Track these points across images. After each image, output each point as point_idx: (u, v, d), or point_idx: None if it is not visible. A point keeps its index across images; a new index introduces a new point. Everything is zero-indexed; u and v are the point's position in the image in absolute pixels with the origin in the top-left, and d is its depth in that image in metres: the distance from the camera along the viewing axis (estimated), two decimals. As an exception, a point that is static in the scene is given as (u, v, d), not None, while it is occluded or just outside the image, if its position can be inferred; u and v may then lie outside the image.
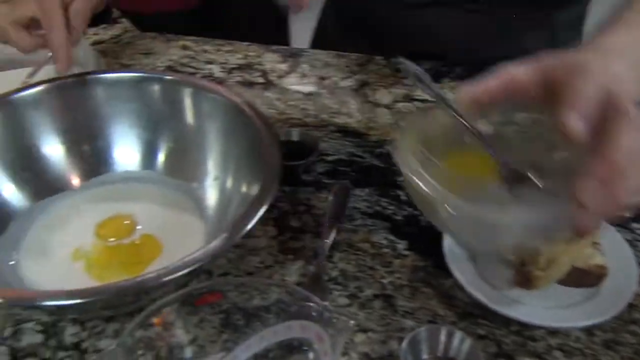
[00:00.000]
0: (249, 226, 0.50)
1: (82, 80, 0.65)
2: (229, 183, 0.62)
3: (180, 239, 0.61)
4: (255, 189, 0.55)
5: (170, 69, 0.89)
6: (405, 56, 0.70)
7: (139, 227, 0.62)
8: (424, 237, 0.64)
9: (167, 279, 0.47)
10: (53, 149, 0.65)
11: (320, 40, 1.00)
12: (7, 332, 0.54)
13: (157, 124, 0.66)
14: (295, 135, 0.72)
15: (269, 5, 1.18)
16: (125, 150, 0.67)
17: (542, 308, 0.55)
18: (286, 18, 1.30)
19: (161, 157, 0.67)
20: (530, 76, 0.48)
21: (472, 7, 0.86)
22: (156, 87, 0.65)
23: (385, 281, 0.59)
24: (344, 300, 0.57)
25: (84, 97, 0.65)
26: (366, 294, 0.58)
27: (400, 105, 0.82)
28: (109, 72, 0.68)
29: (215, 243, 0.49)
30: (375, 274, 0.60)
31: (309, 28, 1.02)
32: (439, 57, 0.89)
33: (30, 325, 0.54)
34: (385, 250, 0.62)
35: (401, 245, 0.63)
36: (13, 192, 0.63)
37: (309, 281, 0.59)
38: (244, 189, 0.59)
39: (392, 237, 0.64)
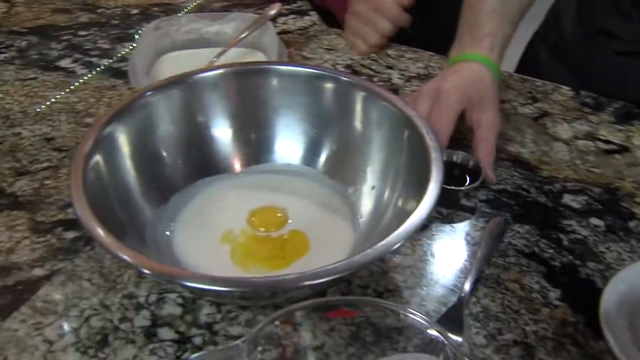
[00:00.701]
0: (399, 244, 0.49)
1: (260, 69, 0.67)
2: (386, 194, 0.61)
3: (328, 241, 0.61)
4: (411, 206, 0.53)
5: (349, 67, 0.90)
6: (598, 94, 0.71)
7: (289, 221, 0.63)
8: (580, 290, 0.59)
9: (307, 283, 0.47)
10: (222, 132, 0.68)
11: (525, 66, 0.98)
12: (152, 298, 0.57)
13: (325, 123, 0.67)
14: (458, 157, 0.69)
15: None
16: (289, 143, 0.68)
17: None
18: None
19: (323, 156, 0.67)
20: None
21: None
22: (330, 86, 0.65)
23: (528, 329, 0.55)
24: (480, 340, 0.54)
25: (258, 86, 0.67)
26: (505, 338, 0.55)
27: (580, 143, 0.77)
28: (286, 65, 0.69)
29: (363, 256, 0.48)
30: (519, 318, 0.56)
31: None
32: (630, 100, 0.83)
33: (172, 296, 0.57)
34: (535, 295, 0.58)
35: (553, 293, 0.59)
36: (179, 167, 0.66)
37: (448, 312, 0.56)
38: (400, 203, 0.58)
39: (544, 283, 0.59)
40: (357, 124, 0.66)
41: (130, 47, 0.94)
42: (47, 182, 0.70)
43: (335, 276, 0.47)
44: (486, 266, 0.60)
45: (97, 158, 0.57)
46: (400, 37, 0.99)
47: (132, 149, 0.61)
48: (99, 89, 0.85)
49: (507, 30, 0.75)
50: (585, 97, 0.84)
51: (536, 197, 0.69)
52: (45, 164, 0.72)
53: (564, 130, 0.79)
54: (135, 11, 1.04)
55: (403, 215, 0.53)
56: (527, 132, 0.78)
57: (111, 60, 0.91)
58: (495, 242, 0.63)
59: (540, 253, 0.63)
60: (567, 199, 0.69)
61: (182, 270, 0.57)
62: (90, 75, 0.87)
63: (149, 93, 0.63)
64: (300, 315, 0.45)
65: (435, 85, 0.72)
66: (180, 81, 0.65)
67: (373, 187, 0.64)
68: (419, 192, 0.54)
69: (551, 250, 0.63)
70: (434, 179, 0.54)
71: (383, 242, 0.49)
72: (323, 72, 0.67)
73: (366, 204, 0.63)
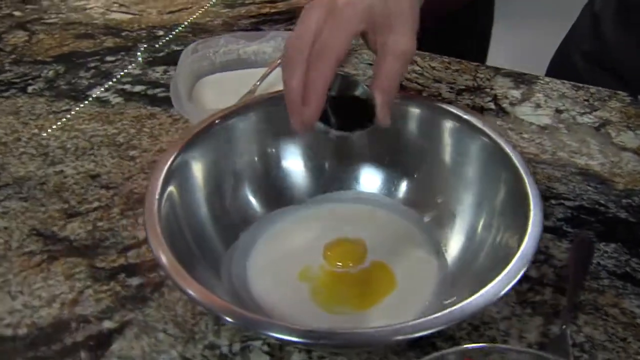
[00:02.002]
0: (507, 289, 0.46)
1: None
2: (478, 228, 0.58)
3: (412, 275, 0.58)
4: (509, 245, 0.50)
5: (395, 83, 0.86)
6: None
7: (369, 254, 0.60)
8: (684, 313, 0.56)
9: (402, 337, 0.44)
10: (293, 162, 0.65)
11: (557, 69, 0.94)
12: (236, 347, 0.54)
13: (403, 150, 0.64)
14: (360, 91, 0.58)
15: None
16: (364, 171, 0.65)
17: None
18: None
19: (399, 185, 0.64)
20: None
21: None
22: (416, 112, 0.62)
23: (640, 358, 0.52)
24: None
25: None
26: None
27: (649, 151, 0.74)
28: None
29: (473, 301, 0.44)
30: (629, 347, 0.53)
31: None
32: None
33: (257, 344, 0.54)
34: (639, 321, 0.55)
35: (658, 317, 0.56)
36: (249, 201, 0.63)
37: (552, 343, 0.53)
38: (496, 241, 0.54)
39: (646, 307, 0.57)
40: (439, 151, 0.62)
41: (162, 72, 0.90)
42: (100, 223, 0.66)
43: (438, 328, 0.44)
44: (581, 291, 0.57)
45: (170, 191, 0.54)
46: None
47: (203, 180, 0.59)
48: (137, 118, 0.81)
49: None
50: (643, 102, 0.82)
51: (616, 212, 0.66)
52: (95, 204, 0.68)
53: (629, 139, 0.76)
54: (161, 32, 1.00)
55: (500, 252, 0.51)
56: (592, 143, 0.75)
57: (145, 87, 0.86)
58: (585, 263, 0.60)
59: (634, 273, 0.60)
60: (649, 212, 0.66)
61: (265, 320, 0.53)
62: (126, 104, 0.84)
63: (218, 121, 0.60)
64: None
65: None
66: (250, 108, 0.62)
67: (454, 216, 0.60)
68: (517, 229, 0.51)
69: (644, 270, 0.60)
70: (533, 217, 0.51)
71: (491, 285, 0.46)
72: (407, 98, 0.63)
73: (451, 235, 0.60)
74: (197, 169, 0.59)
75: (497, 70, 0.88)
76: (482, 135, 0.58)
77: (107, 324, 0.56)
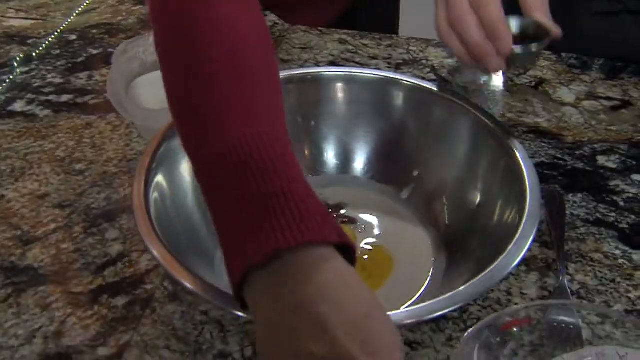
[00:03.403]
0: (512, 267, 0.46)
1: (317, 75, 0.63)
2: (476, 200, 0.58)
3: (407, 250, 0.58)
4: (510, 223, 0.51)
5: (332, 64, 0.86)
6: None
7: (359, 232, 0.59)
8: (658, 247, 0.60)
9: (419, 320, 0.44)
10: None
11: None
12: (248, 352, 0.51)
13: (365, 126, 0.64)
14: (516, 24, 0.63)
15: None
16: (331, 153, 0.65)
17: None
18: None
19: (370, 162, 0.64)
20: None
21: None
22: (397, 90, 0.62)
23: (632, 296, 0.55)
24: (593, 318, 0.54)
25: (299, 96, 0.63)
26: (617, 310, 0.54)
27: (586, 103, 0.78)
28: (319, 68, 0.65)
29: (482, 281, 0.44)
30: (619, 287, 0.56)
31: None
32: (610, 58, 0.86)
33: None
34: (622, 261, 0.59)
35: (637, 256, 0.59)
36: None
37: (554, 296, 0.55)
38: (496, 215, 0.55)
39: (624, 247, 0.60)
40: (408, 124, 0.63)
41: (87, 78, 0.84)
42: (63, 245, 0.60)
43: (452, 308, 0.44)
44: (564, 242, 0.60)
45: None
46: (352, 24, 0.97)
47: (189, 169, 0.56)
48: (73, 129, 0.75)
49: None
50: (568, 59, 0.86)
51: (574, 164, 0.69)
52: (53, 226, 0.62)
53: (566, 94, 0.80)
54: (73, 36, 0.93)
55: (500, 226, 0.52)
56: (535, 102, 0.79)
57: (73, 96, 0.80)
58: (560, 215, 0.63)
59: (605, 218, 0.63)
60: (602, 160, 0.70)
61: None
62: (56, 116, 0.77)
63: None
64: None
65: None
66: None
67: (435, 187, 0.61)
68: (515, 203, 0.52)
69: (613, 214, 0.63)
70: (531, 191, 0.52)
71: (496, 264, 0.46)
72: (385, 76, 0.63)
73: (437, 206, 0.60)
74: (183, 157, 0.55)
75: (428, 42, 0.90)
76: (463, 110, 0.59)
77: (103, 351, 0.51)
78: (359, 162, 0.64)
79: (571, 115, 0.76)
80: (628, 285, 0.56)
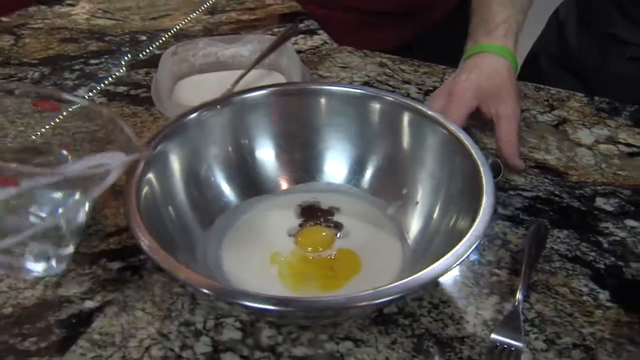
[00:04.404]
0: (457, 263, 0.49)
1: (302, 89, 0.68)
2: (436, 213, 0.62)
3: (378, 258, 0.62)
4: (463, 225, 0.54)
5: (366, 84, 0.91)
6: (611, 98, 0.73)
7: (337, 238, 0.64)
8: (628, 290, 0.60)
9: (376, 302, 0.47)
10: (266, 153, 0.68)
11: (527, 72, 1.00)
12: (210, 324, 0.57)
13: (368, 142, 0.68)
14: None
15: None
16: (333, 163, 0.69)
17: None
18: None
19: (367, 175, 0.68)
20: None
21: None
22: (376, 106, 0.66)
23: (585, 331, 0.56)
24: (540, 345, 0.55)
25: (302, 106, 0.68)
26: (565, 341, 0.55)
27: (602, 147, 0.79)
28: (328, 85, 0.71)
29: (419, 276, 0.48)
30: (575, 322, 0.57)
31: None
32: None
33: (230, 320, 0.57)
34: (586, 298, 0.60)
35: (603, 295, 0.60)
36: (224, 187, 0.67)
37: (505, 319, 0.57)
38: (451, 223, 0.58)
39: (593, 285, 0.61)
40: (404, 143, 0.67)
41: (144, 74, 0.93)
42: (83, 214, 0.69)
43: (392, 297, 0.47)
44: (534, 272, 0.61)
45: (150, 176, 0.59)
46: (407, 52, 1.01)
47: (180, 169, 0.63)
48: (120, 116, 0.84)
49: (519, 17, 0.78)
50: (599, 103, 0.87)
51: (569, 202, 0.70)
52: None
53: (585, 136, 0.81)
54: (143, 37, 1.04)
55: (455, 234, 0.54)
56: (550, 140, 0.80)
57: (128, 88, 0.90)
58: (539, 248, 0.64)
59: (583, 256, 0.64)
60: (600, 202, 0.70)
61: (243, 290, 0.57)
62: (109, 104, 0.87)
63: (194, 114, 0.64)
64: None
65: (448, 86, 0.74)
66: (225, 102, 0.66)
67: (417, 203, 0.64)
68: (470, 212, 0.55)
69: (593, 254, 0.64)
70: (486, 199, 0.54)
71: (441, 261, 0.49)
72: (366, 92, 0.68)
73: (413, 222, 0.64)
74: (174, 159, 0.62)
75: (463, 73, 0.93)
76: (440, 127, 0.63)
77: (89, 304, 0.59)
78: (358, 174, 0.69)
79: (583, 156, 0.77)
80: (584, 321, 0.57)
